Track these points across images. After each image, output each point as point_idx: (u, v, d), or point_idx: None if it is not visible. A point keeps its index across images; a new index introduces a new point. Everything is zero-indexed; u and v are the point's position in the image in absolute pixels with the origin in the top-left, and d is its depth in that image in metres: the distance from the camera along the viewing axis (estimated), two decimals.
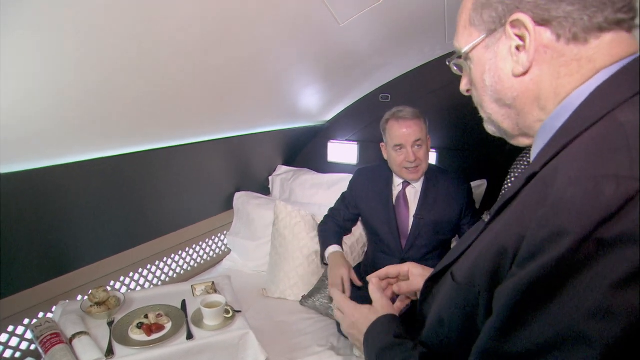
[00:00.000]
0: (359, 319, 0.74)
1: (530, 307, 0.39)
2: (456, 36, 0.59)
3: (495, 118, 0.59)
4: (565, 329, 0.36)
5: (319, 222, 1.98)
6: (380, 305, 0.74)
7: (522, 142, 0.59)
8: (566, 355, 0.36)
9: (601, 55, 0.48)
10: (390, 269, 0.86)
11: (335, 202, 1.93)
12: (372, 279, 0.81)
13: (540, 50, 0.49)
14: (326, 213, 1.92)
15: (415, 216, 1.65)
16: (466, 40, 0.57)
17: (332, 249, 1.69)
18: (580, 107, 0.47)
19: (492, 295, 0.45)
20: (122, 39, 0.95)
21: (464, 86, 0.62)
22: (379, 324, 0.70)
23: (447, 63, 0.63)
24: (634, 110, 0.43)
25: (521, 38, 0.50)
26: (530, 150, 0.57)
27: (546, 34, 0.49)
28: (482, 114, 0.62)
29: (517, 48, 0.51)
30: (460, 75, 0.63)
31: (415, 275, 0.81)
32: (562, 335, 0.37)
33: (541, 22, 0.48)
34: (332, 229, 1.80)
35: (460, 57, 0.59)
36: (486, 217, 0.57)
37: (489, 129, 0.62)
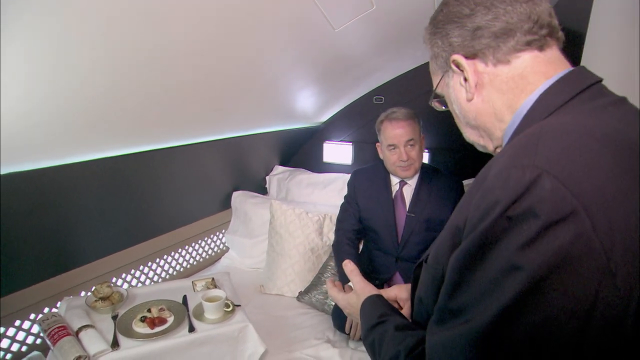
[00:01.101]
0: (350, 305, 0.86)
1: (467, 270, 0.49)
2: (433, 83, 0.73)
3: (473, 139, 0.71)
4: (489, 283, 0.46)
5: (313, 220, 2.04)
6: (360, 288, 0.84)
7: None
8: (488, 304, 0.45)
9: (529, 72, 0.59)
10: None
11: (338, 209, 1.92)
12: (346, 262, 0.89)
13: (478, 76, 0.62)
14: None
15: (407, 213, 1.71)
16: (435, 82, 0.72)
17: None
18: (525, 115, 0.59)
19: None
20: (128, 44, 1.00)
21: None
22: (365, 307, 0.79)
23: (430, 104, 0.77)
24: (563, 113, 0.54)
25: (462, 72, 0.63)
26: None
27: (478, 64, 0.61)
28: (465, 139, 0.73)
29: (465, 79, 0.63)
30: (444, 111, 0.77)
31: (405, 300, 0.86)
32: (486, 288, 0.46)
33: (471, 56, 0.62)
34: (347, 251, 1.75)
35: (436, 96, 0.73)
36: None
37: (478, 147, 0.73)
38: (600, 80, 0.57)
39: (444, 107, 0.74)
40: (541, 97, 0.57)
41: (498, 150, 0.68)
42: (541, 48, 0.59)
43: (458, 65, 0.63)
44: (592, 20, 1.21)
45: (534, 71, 0.59)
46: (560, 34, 0.61)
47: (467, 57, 0.62)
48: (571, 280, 0.41)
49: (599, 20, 1.18)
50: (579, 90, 0.55)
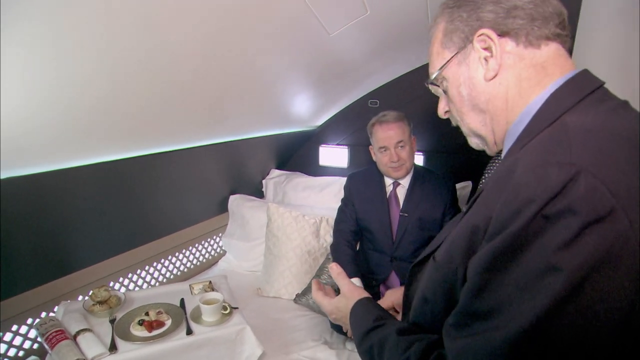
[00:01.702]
0: (338, 310, 0.82)
1: (495, 272, 0.47)
2: (430, 66, 0.69)
3: (474, 126, 0.67)
4: (522, 285, 0.44)
5: (310, 222, 2.05)
6: (348, 290, 0.81)
7: (495, 149, 0.69)
8: (523, 307, 0.44)
9: (551, 64, 0.58)
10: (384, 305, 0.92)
11: (334, 212, 1.93)
12: (332, 266, 0.87)
13: (504, 55, 0.60)
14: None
15: (401, 213, 1.74)
16: (440, 63, 0.67)
17: (358, 282, 1.63)
18: (537, 113, 0.57)
19: (467, 268, 0.52)
20: (125, 50, 1.01)
21: (441, 109, 0.73)
22: (356, 310, 0.76)
23: (426, 85, 0.73)
24: (578, 113, 0.53)
25: (487, 49, 0.61)
26: (500, 155, 0.67)
27: (508, 42, 0.59)
28: (463, 129, 0.70)
29: (485, 58, 0.61)
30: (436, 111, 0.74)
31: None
32: (520, 290, 0.44)
33: (502, 33, 0.59)
34: (345, 252, 1.76)
35: (436, 79, 0.69)
36: (464, 209, 0.64)
37: (473, 142, 0.71)
38: (603, 83, 0.57)
39: (441, 91, 0.71)
40: (553, 96, 0.57)
41: (494, 147, 0.67)
42: (564, 44, 0.60)
43: (485, 41, 0.60)
44: (581, 16, 1.23)
45: (555, 64, 0.59)
46: (569, 42, 0.62)
47: (497, 34, 0.59)
48: (611, 280, 0.40)
49: (589, 17, 1.20)
50: (588, 92, 0.55)
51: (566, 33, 0.60)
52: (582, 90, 0.55)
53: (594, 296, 0.41)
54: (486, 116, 0.64)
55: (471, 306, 0.49)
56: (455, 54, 0.64)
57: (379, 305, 0.76)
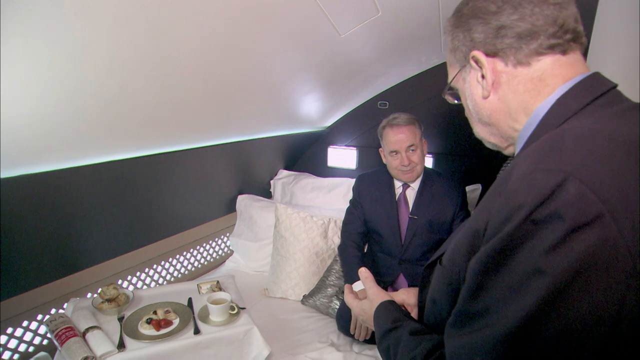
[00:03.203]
0: (364, 312, 0.86)
1: (489, 274, 0.48)
2: (448, 73, 0.72)
3: (483, 136, 0.70)
4: (512, 286, 0.46)
5: (318, 223, 2.04)
6: (373, 293, 0.84)
7: (512, 150, 0.69)
8: (511, 308, 0.45)
9: (548, 75, 0.59)
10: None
11: (342, 213, 1.93)
12: (362, 270, 0.89)
13: (496, 75, 0.62)
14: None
15: (410, 216, 1.72)
16: (451, 75, 0.71)
17: (359, 285, 1.64)
18: (543, 118, 0.58)
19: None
20: (135, 51, 1.02)
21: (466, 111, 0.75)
22: (378, 313, 0.79)
23: (443, 96, 0.76)
24: (581, 118, 0.54)
25: (482, 68, 0.63)
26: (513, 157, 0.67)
27: (497, 63, 0.61)
28: (475, 135, 0.73)
29: (482, 76, 0.63)
30: (456, 105, 0.77)
31: (412, 306, 0.86)
32: (509, 292, 0.46)
33: (492, 54, 0.61)
34: (353, 254, 1.76)
35: (450, 89, 0.72)
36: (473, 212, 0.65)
37: (488, 144, 0.73)
38: (616, 85, 0.57)
39: (456, 101, 0.74)
40: (558, 102, 0.57)
41: (510, 148, 0.68)
42: (564, 52, 0.59)
43: (477, 62, 0.62)
44: (597, 20, 1.22)
45: (553, 74, 0.59)
46: (584, 39, 0.60)
47: (487, 55, 0.61)
48: (597, 285, 0.41)
49: (605, 19, 1.19)
50: (595, 95, 0.55)
51: (569, 38, 0.58)
52: (589, 94, 0.55)
53: (579, 300, 0.42)
54: (492, 128, 0.67)
55: (467, 306, 0.51)
56: (459, 70, 0.68)
57: (400, 307, 0.79)
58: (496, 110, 0.64)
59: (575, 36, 0.59)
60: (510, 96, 0.62)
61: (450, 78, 0.71)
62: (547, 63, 0.59)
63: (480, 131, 0.70)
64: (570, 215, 0.42)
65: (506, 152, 0.71)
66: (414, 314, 0.84)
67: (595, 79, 0.58)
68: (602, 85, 0.56)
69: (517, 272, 0.45)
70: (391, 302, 0.79)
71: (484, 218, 0.52)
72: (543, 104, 0.59)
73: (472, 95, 0.66)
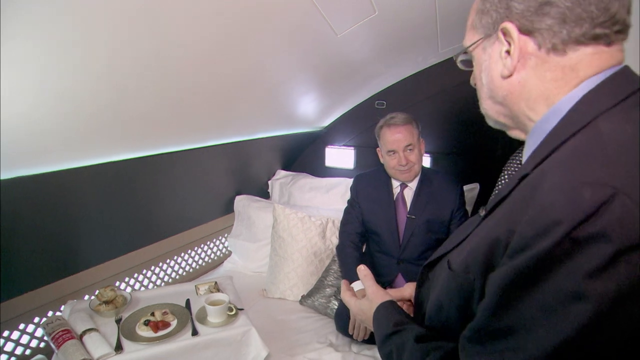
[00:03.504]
0: (362, 312, 0.81)
1: (517, 292, 0.45)
2: (465, 35, 0.64)
3: (491, 114, 0.64)
4: (547, 309, 0.42)
5: (316, 223, 2.04)
6: (372, 292, 0.80)
7: (517, 134, 0.64)
8: (545, 333, 0.42)
9: (583, 66, 0.52)
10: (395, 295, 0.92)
11: (340, 213, 1.93)
12: (360, 267, 0.85)
13: (524, 56, 0.54)
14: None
15: (408, 215, 1.72)
16: (470, 39, 0.62)
17: (357, 285, 1.62)
18: (568, 113, 0.52)
19: (485, 281, 0.50)
20: (132, 51, 1.01)
21: (472, 79, 0.67)
22: (378, 314, 0.75)
23: (454, 59, 0.68)
24: (615, 118, 0.48)
25: (510, 44, 0.55)
26: (521, 149, 0.62)
27: (529, 43, 0.54)
28: (481, 109, 0.66)
29: (508, 52, 0.56)
30: (466, 71, 0.68)
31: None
32: (543, 314, 0.42)
33: (526, 31, 0.54)
34: (351, 254, 1.76)
35: (465, 52, 0.64)
36: (482, 212, 0.62)
37: (489, 122, 0.67)
38: None
39: (468, 68, 0.66)
40: (587, 97, 0.51)
41: (517, 132, 0.63)
42: (609, 44, 0.52)
43: (507, 35, 0.55)
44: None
45: (589, 65, 0.52)
46: (628, 32, 0.54)
47: (521, 31, 0.54)
48: None
49: None
50: (629, 92, 0.50)
51: (617, 29, 0.52)
52: (620, 91, 0.50)
53: (625, 328, 0.39)
54: (503, 108, 0.61)
55: (489, 324, 0.48)
56: (481, 38, 0.59)
57: (401, 308, 0.75)
58: (513, 93, 0.57)
59: (623, 28, 0.52)
60: (534, 82, 0.55)
61: (468, 42, 0.62)
62: (586, 53, 0.52)
63: (488, 108, 0.63)
64: (617, 235, 0.38)
65: (511, 133, 0.65)
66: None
67: (626, 74, 0.52)
68: (632, 82, 0.51)
69: (552, 294, 0.42)
70: (391, 303, 0.76)
71: (507, 227, 0.48)
72: (568, 97, 0.53)
73: (489, 69, 0.59)
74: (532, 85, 0.55)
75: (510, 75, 0.56)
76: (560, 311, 0.41)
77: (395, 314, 0.72)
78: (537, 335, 0.42)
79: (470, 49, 0.62)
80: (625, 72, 0.53)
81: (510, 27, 0.54)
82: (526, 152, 0.59)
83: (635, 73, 0.53)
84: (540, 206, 0.44)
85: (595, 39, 0.51)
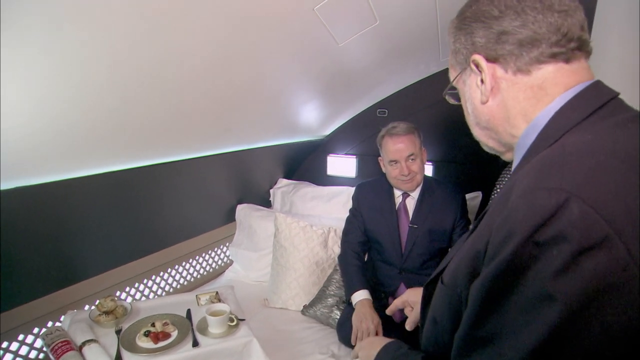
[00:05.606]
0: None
1: (493, 299, 0.46)
2: (449, 72, 0.72)
3: (481, 139, 0.69)
4: (518, 314, 0.44)
5: (318, 233, 2.03)
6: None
7: (510, 157, 0.68)
8: (521, 336, 0.43)
9: (549, 84, 0.57)
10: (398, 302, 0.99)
11: (342, 222, 1.93)
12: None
13: (496, 81, 0.60)
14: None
15: (410, 225, 1.71)
16: (452, 75, 0.70)
17: (360, 295, 1.63)
18: (543, 129, 0.56)
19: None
20: (134, 59, 1.02)
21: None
22: (385, 348, 0.78)
23: (443, 96, 0.76)
24: (581, 131, 0.52)
25: (482, 73, 0.62)
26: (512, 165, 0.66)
27: (497, 69, 0.60)
28: (474, 136, 0.72)
29: (482, 81, 0.62)
30: (456, 105, 0.75)
31: (415, 302, 0.87)
32: (517, 319, 0.44)
33: (492, 59, 0.60)
34: (353, 263, 1.74)
35: (452, 89, 0.72)
36: (472, 225, 0.64)
37: (484, 147, 0.72)
38: (617, 94, 0.56)
39: (456, 102, 0.73)
40: (559, 113, 0.55)
41: (508, 154, 0.67)
42: (567, 60, 0.57)
43: (477, 66, 0.61)
44: (596, 20, 1.21)
45: (555, 83, 0.57)
46: (590, 47, 0.59)
47: (488, 60, 0.60)
48: (610, 308, 0.40)
49: (604, 20, 1.18)
50: (597, 106, 0.53)
51: (572, 46, 0.56)
52: (589, 105, 0.54)
53: (594, 324, 0.40)
54: (490, 132, 0.66)
55: (471, 333, 0.49)
56: (459, 73, 0.67)
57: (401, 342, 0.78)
58: (494, 116, 0.63)
59: (580, 44, 0.57)
60: (510, 103, 0.60)
61: (451, 78, 0.70)
62: (549, 71, 0.57)
63: (478, 134, 0.69)
64: (575, 236, 0.40)
65: (504, 157, 0.70)
66: (416, 311, 0.83)
67: (596, 89, 0.56)
68: (603, 95, 0.55)
69: (524, 298, 0.43)
70: (395, 341, 0.79)
71: (485, 237, 0.50)
72: (543, 113, 0.57)
73: (471, 98, 0.66)
74: (509, 106, 0.60)
75: (487, 100, 0.62)
76: (533, 313, 0.42)
77: (400, 345, 0.76)
78: (515, 339, 0.44)
79: (454, 83, 0.70)
80: (595, 87, 0.56)
81: (478, 58, 0.61)
82: (513, 166, 0.64)
83: (606, 87, 0.57)
84: (506, 214, 0.47)
85: (553, 57, 0.56)
